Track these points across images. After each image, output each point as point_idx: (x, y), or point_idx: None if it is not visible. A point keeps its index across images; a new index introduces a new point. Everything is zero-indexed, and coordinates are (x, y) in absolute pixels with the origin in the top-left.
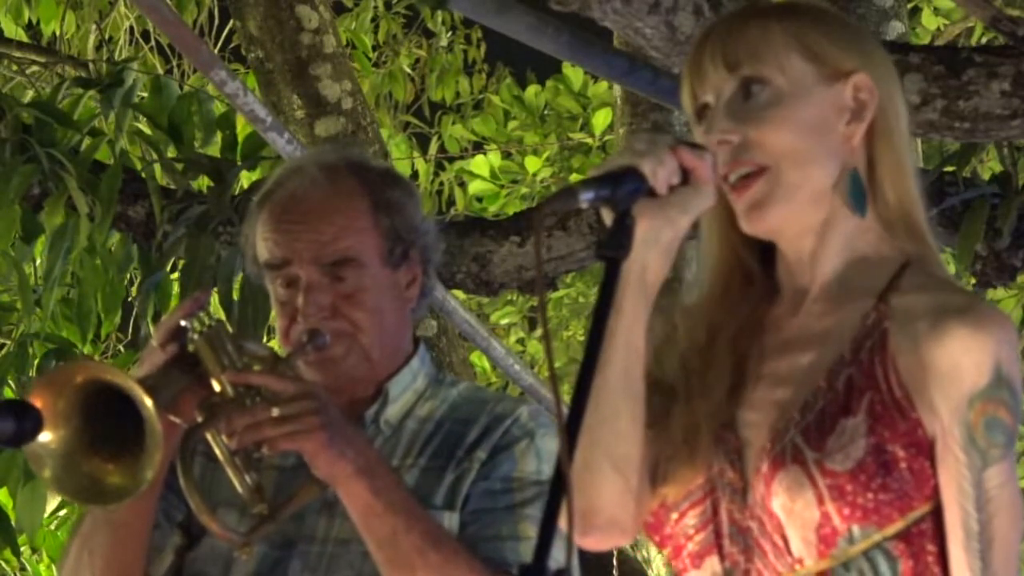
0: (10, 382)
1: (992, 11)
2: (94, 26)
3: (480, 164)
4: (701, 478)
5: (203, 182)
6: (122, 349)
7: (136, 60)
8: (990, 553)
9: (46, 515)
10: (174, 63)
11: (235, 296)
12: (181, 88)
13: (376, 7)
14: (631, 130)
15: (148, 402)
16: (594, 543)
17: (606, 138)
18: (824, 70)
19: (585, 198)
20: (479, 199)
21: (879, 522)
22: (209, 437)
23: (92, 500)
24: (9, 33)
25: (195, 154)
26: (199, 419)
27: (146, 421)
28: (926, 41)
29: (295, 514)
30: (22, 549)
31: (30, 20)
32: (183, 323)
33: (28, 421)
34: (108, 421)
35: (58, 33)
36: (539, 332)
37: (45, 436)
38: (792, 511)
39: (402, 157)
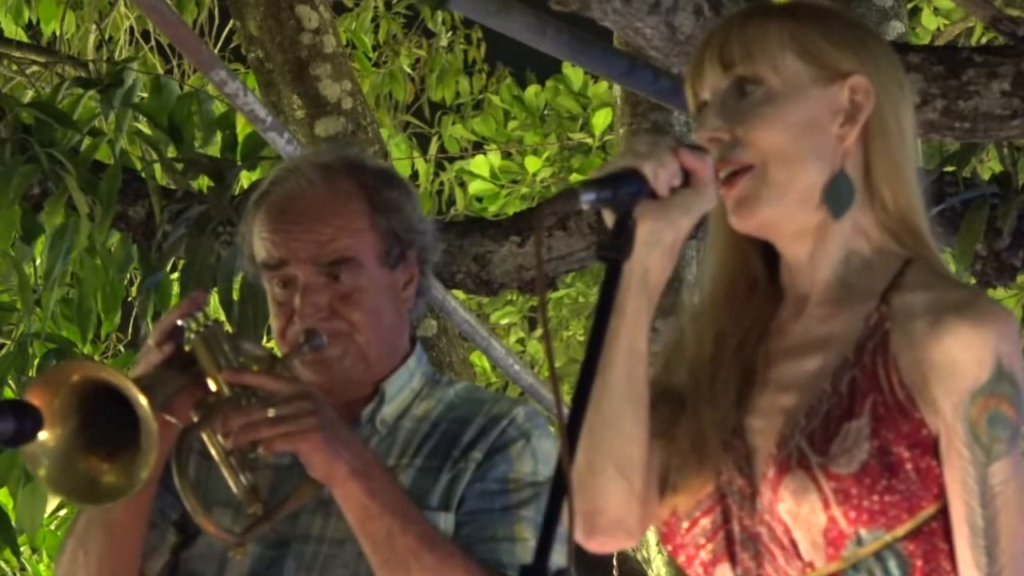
0: (10, 382)
1: (992, 11)
2: (94, 26)
3: (480, 164)
4: (711, 486)
5: (203, 182)
6: (122, 349)
7: (136, 60)
8: (996, 549)
9: (46, 515)
10: (174, 63)
11: (235, 296)
12: (181, 88)
13: (376, 7)
14: (631, 130)
15: (144, 401)
16: (599, 545)
17: (606, 138)
18: (820, 71)
19: (586, 199)
20: (479, 199)
21: (887, 524)
22: (205, 437)
23: (87, 499)
24: (9, 33)
25: (195, 154)
26: (195, 419)
27: (141, 420)
28: (926, 41)
29: (290, 513)
30: (22, 549)
31: (30, 20)
32: (180, 323)
33: (28, 421)
34: (104, 420)
35: (58, 33)
36: (539, 332)
37: (41, 435)
38: (798, 516)
39: (402, 157)
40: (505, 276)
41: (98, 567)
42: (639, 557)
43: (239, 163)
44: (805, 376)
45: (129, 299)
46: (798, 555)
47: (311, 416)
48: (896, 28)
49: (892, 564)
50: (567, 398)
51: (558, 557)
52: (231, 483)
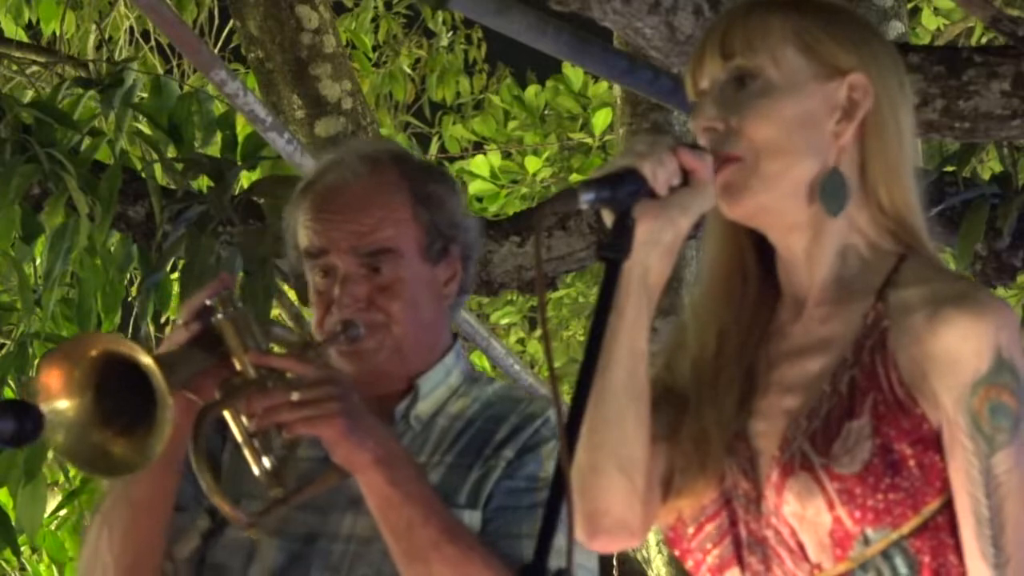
0: (10, 382)
1: (992, 11)
2: (94, 26)
3: (480, 164)
4: (715, 491)
5: (203, 182)
6: None
7: (136, 60)
8: (1003, 538)
9: (46, 515)
10: (174, 63)
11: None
12: (181, 88)
13: (376, 7)
14: (631, 130)
15: (160, 375)
16: (602, 545)
17: (606, 138)
18: (820, 66)
19: (586, 199)
20: (479, 199)
21: (893, 522)
22: (228, 417)
23: (101, 471)
24: (9, 33)
25: (195, 154)
26: (217, 398)
27: (157, 395)
28: (926, 41)
29: (321, 509)
30: (22, 549)
31: (30, 20)
32: (208, 302)
33: (28, 421)
34: (123, 394)
35: (58, 33)
36: (539, 332)
37: (61, 404)
38: (804, 518)
39: None
40: (505, 276)
41: (121, 543)
42: (639, 557)
43: (239, 163)
44: (806, 377)
45: (129, 299)
46: (806, 557)
47: (335, 401)
48: (896, 28)
49: (900, 562)
50: (567, 398)
51: (584, 557)
52: (253, 465)
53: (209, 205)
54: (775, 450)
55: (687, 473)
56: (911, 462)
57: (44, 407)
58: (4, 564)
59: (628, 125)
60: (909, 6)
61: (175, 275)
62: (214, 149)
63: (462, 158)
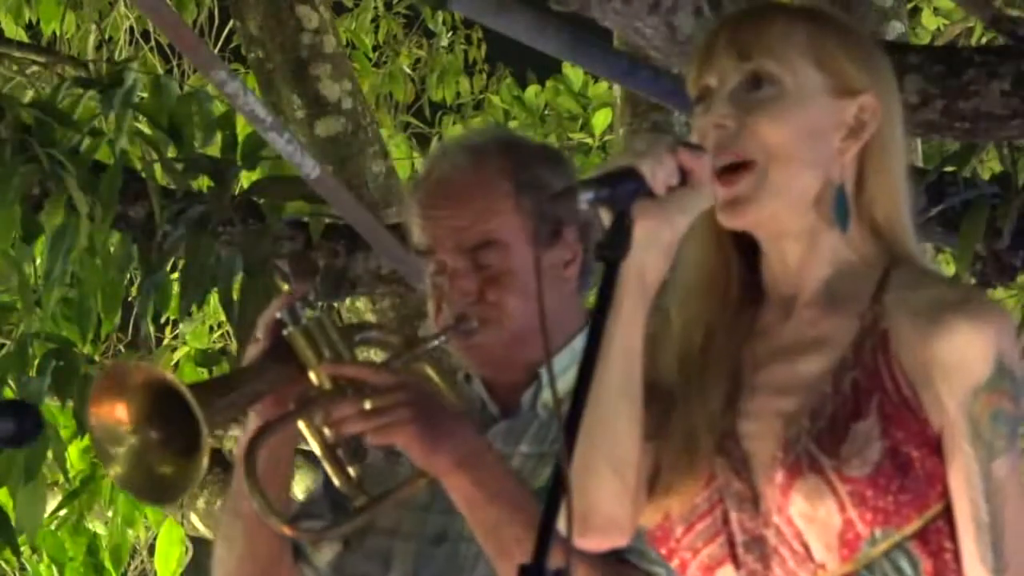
0: (10, 382)
1: (992, 11)
2: (94, 26)
3: None
4: (705, 490)
5: (203, 182)
6: (122, 349)
7: (136, 60)
8: (1002, 543)
9: (46, 515)
10: (174, 63)
11: (235, 296)
12: (181, 88)
13: (376, 7)
14: (631, 130)
15: (193, 401)
16: (592, 544)
17: (606, 138)
18: (834, 83)
19: (585, 198)
20: None
21: (899, 523)
22: (304, 429)
23: (154, 498)
24: (9, 33)
25: (195, 154)
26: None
27: (193, 419)
28: (926, 41)
29: (448, 510)
30: (22, 549)
31: (30, 20)
32: (278, 315)
33: (28, 421)
34: (172, 420)
35: (58, 33)
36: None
37: (118, 437)
38: (814, 519)
39: (402, 157)
40: None
41: (240, 558)
42: None
43: (239, 163)
44: (800, 379)
45: (129, 299)
46: (810, 557)
47: (406, 408)
48: (896, 28)
49: (904, 563)
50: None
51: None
52: (333, 476)
53: (209, 205)
54: (776, 451)
55: (676, 472)
56: (917, 464)
57: (100, 440)
58: (4, 564)
59: (628, 125)
60: (909, 6)
61: (175, 275)
62: (214, 149)
63: None
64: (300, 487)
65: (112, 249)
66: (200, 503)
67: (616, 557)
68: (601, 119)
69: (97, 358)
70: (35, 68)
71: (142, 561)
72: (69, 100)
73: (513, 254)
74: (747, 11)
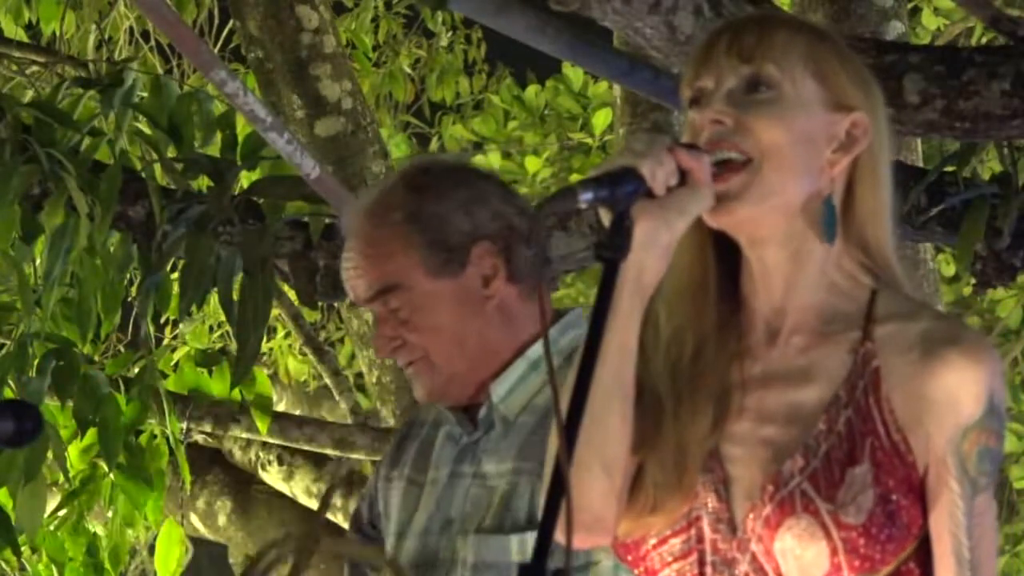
0: (10, 382)
1: (992, 11)
2: (94, 26)
3: (480, 164)
4: (687, 506)
5: (203, 182)
6: (122, 349)
7: (136, 60)
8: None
9: (46, 515)
10: (174, 63)
11: (235, 296)
12: (181, 88)
13: (376, 7)
14: (631, 130)
15: None
16: (578, 541)
17: (606, 138)
18: (829, 96)
19: (584, 199)
20: None
21: (878, 568)
22: None
23: None
24: (9, 33)
25: (195, 154)
26: None
27: None
28: (926, 41)
29: None
30: (22, 549)
31: (30, 20)
32: None
33: (28, 421)
34: None
35: (58, 33)
36: None
37: None
38: (801, 558)
39: (402, 157)
40: None
41: None
42: None
43: (239, 163)
44: (789, 409)
45: (129, 299)
46: None
47: None
48: (896, 28)
49: None
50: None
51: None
52: None
53: (209, 205)
54: (765, 483)
55: (665, 489)
56: (904, 512)
57: None
58: (4, 564)
59: (628, 125)
60: (909, 6)
61: (175, 275)
62: (214, 149)
63: None
64: (300, 487)
65: (112, 249)
66: (200, 503)
67: None
68: (601, 119)
69: (97, 358)
70: (35, 68)
71: (142, 561)
72: (69, 100)
73: (416, 293)
74: (750, 17)
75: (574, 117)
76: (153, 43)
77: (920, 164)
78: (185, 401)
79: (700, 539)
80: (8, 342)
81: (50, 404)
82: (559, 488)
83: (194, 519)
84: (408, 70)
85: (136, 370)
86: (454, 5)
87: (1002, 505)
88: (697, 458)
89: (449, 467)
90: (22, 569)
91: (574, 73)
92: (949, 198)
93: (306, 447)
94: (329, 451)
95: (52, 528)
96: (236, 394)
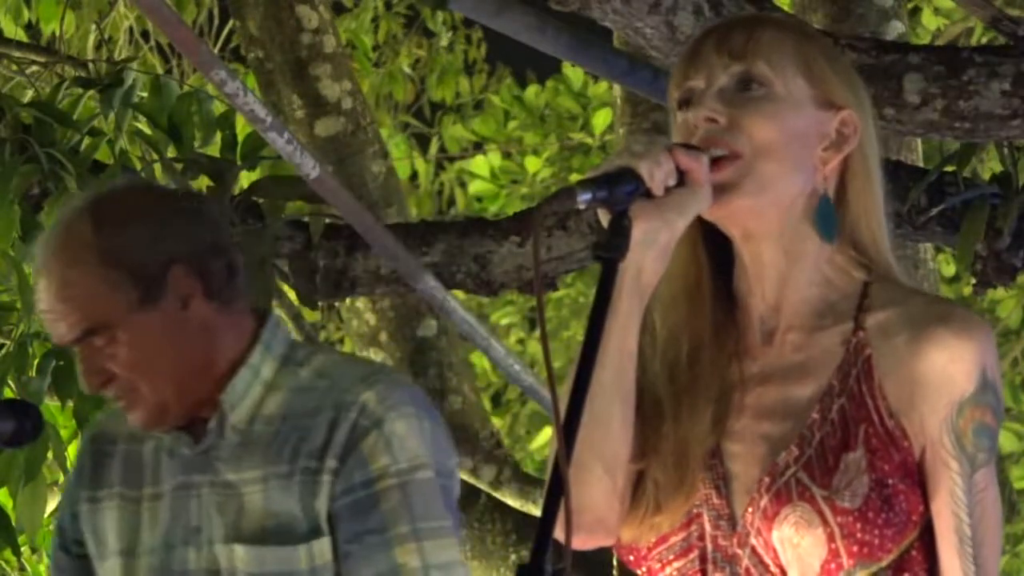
0: (10, 382)
1: (992, 11)
2: (94, 26)
3: (480, 164)
4: (689, 504)
5: (203, 182)
6: None
7: (136, 60)
8: (982, 555)
9: (46, 515)
10: (174, 63)
11: None
12: (181, 88)
13: (376, 7)
14: (631, 130)
15: None
16: (580, 543)
17: (606, 138)
18: (819, 94)
19: (583, 199)
20: (479, 199)
21: (879, 556)
22: None
23: None
24: (9, 33)
25: (195, 154)
26: None
27: None
28: (926, 41)
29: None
30: (22, 549)
31: (30, 20)
32: None
33: (28, 421)
34: None
35: (58, 33)
36: (539, 332)
37: None
38: (799, 546)
39: (402, 157)
40: (505, 276)
41: None
42: None
43: (239, 163)
44: (786, 404)
45: None
46: None
47: None
48: (896, 28)
49: None
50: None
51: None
52: None
53: None
54: (762, 475)
55: (667, 490)
56: (900, 497)
57: None
58: (4, 564)
59: (628, 125)
60: (909, 6)
61: None
62: (214, 149)
63: (462, 158)
64: None
65: None
66: None
67: None
68: (601, 119)
69: None
70: (35, 68)
71: None
72: (69, 100)
73: (120, 330)
74: (737, 19)
75: (574, 117)
76: (153, 43)
77: (920, 164)
78: None
79: (701, 536)
80: (8, 342)
81: (50, 404)
82: (559, 488)
83: None
84: (408, 70)
85: None
86: (454, 5)
87: (1002, 505)
88: (698, 457)
89: (175, 480)
90: (22, 569)
91: (574, 73)
92: (949, 198)
93: None
94: None
95: (52, 528)
96: None
